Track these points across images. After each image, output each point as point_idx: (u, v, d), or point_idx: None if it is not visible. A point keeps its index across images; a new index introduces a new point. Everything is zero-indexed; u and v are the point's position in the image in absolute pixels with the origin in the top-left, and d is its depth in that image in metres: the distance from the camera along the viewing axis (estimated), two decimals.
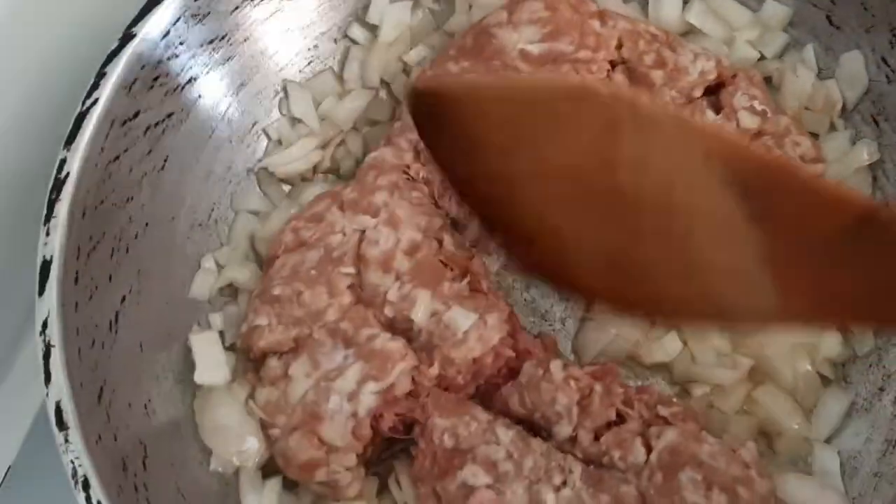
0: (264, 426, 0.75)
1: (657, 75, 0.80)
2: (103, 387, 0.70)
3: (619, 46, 0.81)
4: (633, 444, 0.71)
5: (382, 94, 0.91)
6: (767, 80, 0.85)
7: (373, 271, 0.76)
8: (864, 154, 0.81)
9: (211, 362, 0.78)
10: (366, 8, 0.90)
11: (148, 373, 0.76)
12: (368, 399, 0.72)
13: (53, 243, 0.69)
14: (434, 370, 0.73)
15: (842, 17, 0.81)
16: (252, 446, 0.76)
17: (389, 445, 0.76)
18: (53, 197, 0.70)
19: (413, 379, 0.73)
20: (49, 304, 0.68)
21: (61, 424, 0.65)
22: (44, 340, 0.67)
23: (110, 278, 0.74)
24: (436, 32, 0.91)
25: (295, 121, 0.90)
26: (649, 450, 0.71)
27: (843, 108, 0.83)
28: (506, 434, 0.72)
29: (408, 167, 0.81)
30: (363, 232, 0.78)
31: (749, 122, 0.80)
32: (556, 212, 0.66)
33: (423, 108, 0.68)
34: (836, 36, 0.83)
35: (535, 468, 0.70)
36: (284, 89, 0.90)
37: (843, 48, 0.82)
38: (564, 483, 0.69)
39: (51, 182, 0.71)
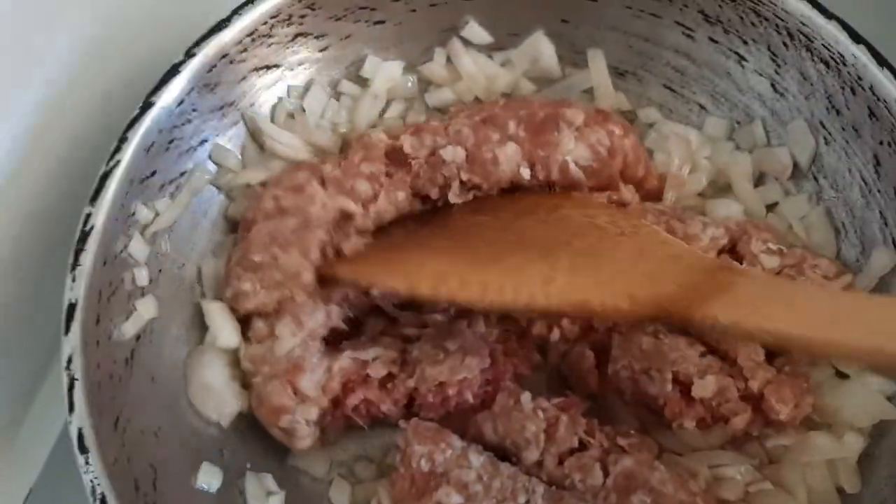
0: (248, 375, 0.84)
1: None
2: (119, 416, 0.78)
3: None
4: (592, 468, 0.79)
5: None
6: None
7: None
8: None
9: (226, 328, 0.86)
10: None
11: (159, 403, 0.83)
12: (345, 361, 0.82)
13: (79, 288, 0.77)
14: (411, 382, 0.82)
15: (784, 86, 0.90)
16: (231, 406, 0.85)
17: (347, 432, 0.86)
18: (79, 247, 0.79)
19: (390, 373, 0.83)
20: (73, 342, 0.76)
21: (82, 448, 0.73)
22: (68, 374, 0.75)
23: (127, 319, 0.83)
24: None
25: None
26: (606, 474, 0.79)
27: (798, 169, 0.92)
28: (477, 459, 0.80)
29: (394, 151, 0.87)
30: (341, 209, 0.85)
31: (770, 262, 0.84)
32: None
33: None
34: (781, 102, 0.91)
35: (502, 489, 0.78)
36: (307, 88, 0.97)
37: (788, 114, 0.91)
38: (528, 501, 0.77)
39: (77, 234, 0.79)
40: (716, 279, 0.74)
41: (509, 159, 0.86)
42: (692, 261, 0.78)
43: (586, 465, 0.80)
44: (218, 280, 0.90)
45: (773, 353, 0.84)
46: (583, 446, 0.81)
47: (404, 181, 0.87)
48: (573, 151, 0.87)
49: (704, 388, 0.80)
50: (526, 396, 0.83)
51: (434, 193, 0.87)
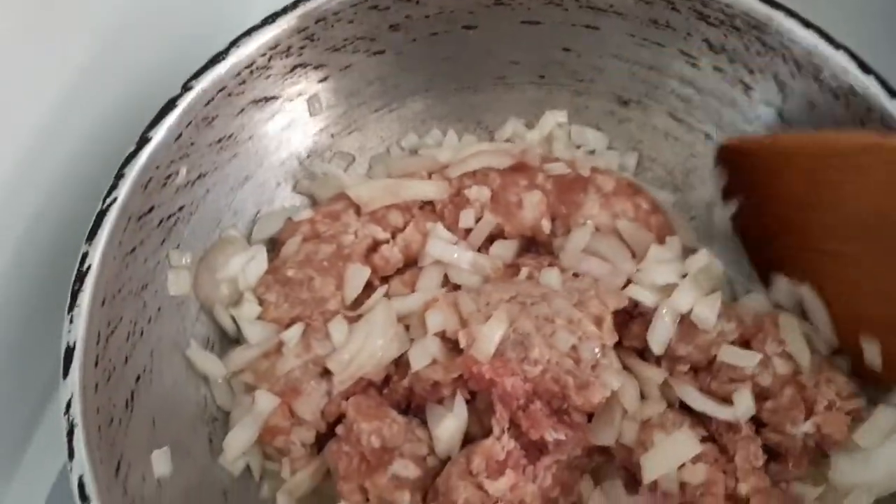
0: (248, 389, 0.84)
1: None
2: (120, 461, 0.76)
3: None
4: None
5: None
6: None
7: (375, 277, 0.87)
8: None
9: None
10: None
11: (160, 447, 0.81)
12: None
13: (77, 330, 0.75)
14: (405, 382, 0.81)
15: (792, 116, 0.88)
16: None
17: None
18: (76, 287, 0.76)
19: (388, 377, 0.82)
20: (72, 386, 0.74)
21: (84, 497, 0.71)
22: (68, 419, 0.73)
23: (126, 360, 0.80)
24: None
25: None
26: None
27: None
28: (423, 433, 0.80)
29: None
30: (373, 238, 0.87)
31: (783, 368, 0.79)
32: (849, 264, 0.76)
33: (731, 162, 0.83)
34: (789, 133, 0.89)
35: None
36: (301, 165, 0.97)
37: None
38: None
39: (74, 274, 0.77)
40: None
41: (533, 207, 0.87)
42: None
43: None
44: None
45: (771, 459, 0.80)
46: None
47: (434, 214, 0.89)
48: (595, 217, 0.87)
49: (694, 473, 0.76)
50: None
51: (460, 234, 0.88)
